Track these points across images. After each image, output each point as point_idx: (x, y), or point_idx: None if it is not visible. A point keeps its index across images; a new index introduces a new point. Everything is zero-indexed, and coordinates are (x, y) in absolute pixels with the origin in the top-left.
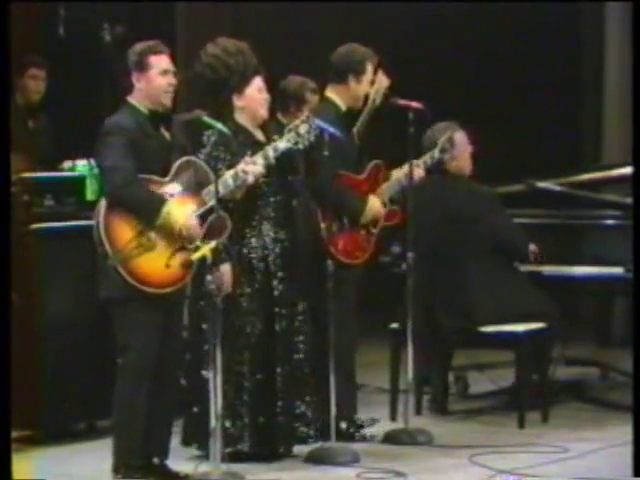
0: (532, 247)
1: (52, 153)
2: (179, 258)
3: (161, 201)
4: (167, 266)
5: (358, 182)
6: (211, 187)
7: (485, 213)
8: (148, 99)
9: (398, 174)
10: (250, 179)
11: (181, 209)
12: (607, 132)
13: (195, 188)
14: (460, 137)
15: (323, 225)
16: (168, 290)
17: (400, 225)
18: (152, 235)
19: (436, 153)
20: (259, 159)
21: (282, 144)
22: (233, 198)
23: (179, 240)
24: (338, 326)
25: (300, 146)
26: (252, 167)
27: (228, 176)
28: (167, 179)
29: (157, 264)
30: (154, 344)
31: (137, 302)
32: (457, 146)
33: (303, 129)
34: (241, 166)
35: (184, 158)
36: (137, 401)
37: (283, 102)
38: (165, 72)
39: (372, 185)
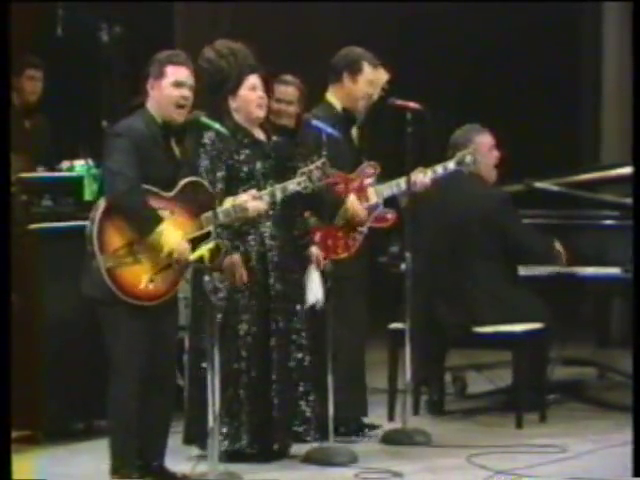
0: (558, 245)
1: (49, 153)
2: (164, 275)
3: (156, 219)
4: (151, 281)
5: (345, 180)
6: (210, 214)
7: (497, 214)
8: (160, 109)
9: (400, 179)
10: (251, 214)
11: (174, 232)
12: (605, 132)
13: (196, 210)
14: (483, 139)
15: (300, 218)
16: (149, 304)
17: (398, 226)
18: (142, 248)
19: (451, 165)
20: (265, 196)
21: (292, 186)
22: (230, 224)
23: (166, 260)
24: (336, 324)
25: (309, 190)
26: (256, 204)
27: (230, 205)
28: (170, 194)
29: (141, 277)
30: (142, 347)
31: (122, 306)
32: (477, 148)
33: (316, 176)
34: (244, 198)
35: (190, 178)
36: (129, 403)
37: None
38: (179, 84)
39: (361, 185)
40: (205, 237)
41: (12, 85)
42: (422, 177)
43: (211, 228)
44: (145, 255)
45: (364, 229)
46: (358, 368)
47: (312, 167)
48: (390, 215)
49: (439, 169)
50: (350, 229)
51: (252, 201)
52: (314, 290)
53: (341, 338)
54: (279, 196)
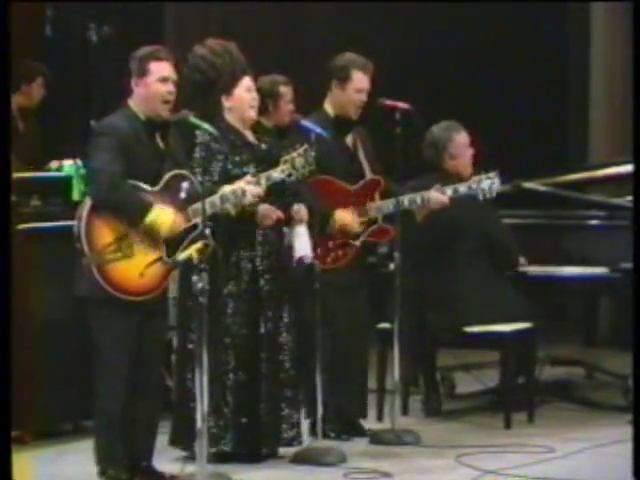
0: (522, 260)
1: (40, 154)
2: (154, 269)
3: (145, 205)
4: (141, 275)
5: (345, 192)
6: (197, 205)
7: (479, 215)
8: (145, 105)
9: (403, 197)
10: (248, 199)
11: (165, 211)
12: (593, 133)
13: (182, 203)
14: (461, 138)
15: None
16: (140, 299)
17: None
18: (132, 242)
19: (473, 185)
20: (262, 180)
21: (276, 174)
22: (227, 213)
23: (162, 245)
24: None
25: (293, 178)
26: (253, 187)
27: (216, 196)
28: (156, 189)
29: (132, 272)
30: (128, 347)
31: (112, 304)
32: (457, 146)
33: (299, 163)
34: (241, 184)
35: (176, 171)
36: (114, 402)
37: (260, 103)
38: (164, 80)
39: (361, 199)
40: (192, 229)
41: (19, 89)
42: (439, 195)
43: (198, 220)
44: (137, 248)
45: (357, 243)
46: (358, 370)
47: (294, 155)
48: (390, 230)
49: (461, 188)
50: (342, 240)
51: (248, 185)
52: (302, 245)
53: (339, 340)
54: (264, 184)
